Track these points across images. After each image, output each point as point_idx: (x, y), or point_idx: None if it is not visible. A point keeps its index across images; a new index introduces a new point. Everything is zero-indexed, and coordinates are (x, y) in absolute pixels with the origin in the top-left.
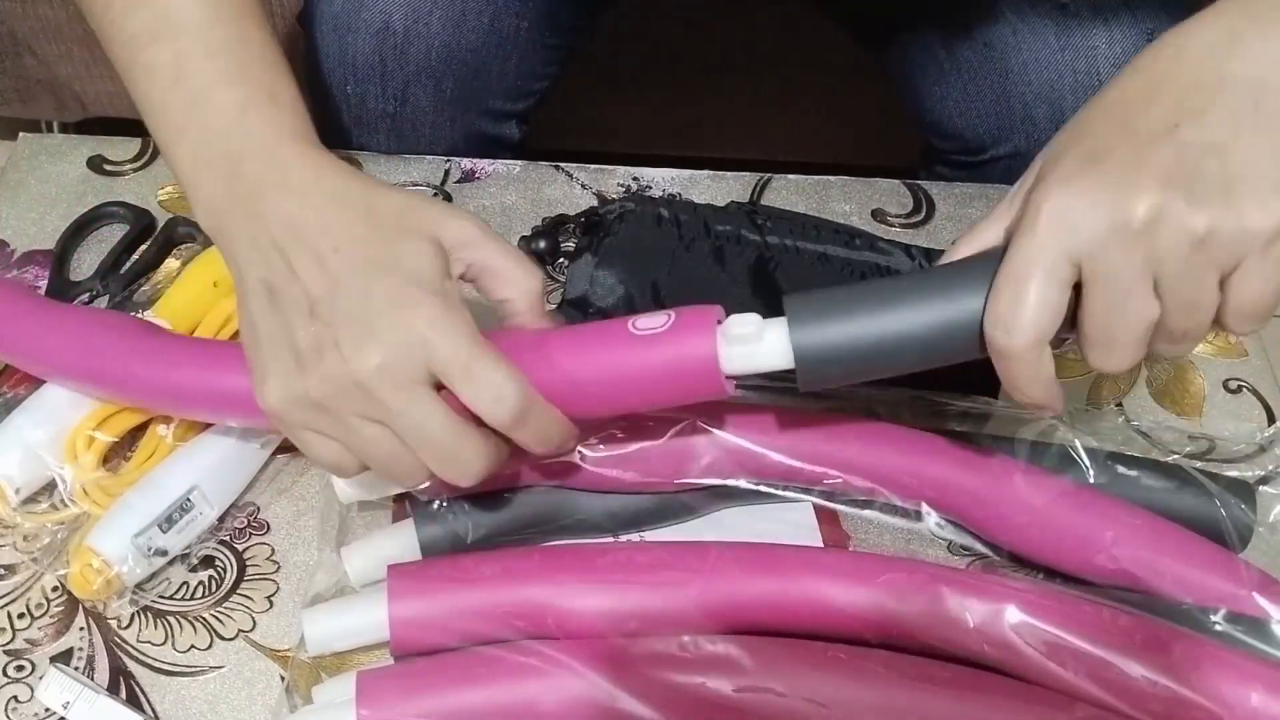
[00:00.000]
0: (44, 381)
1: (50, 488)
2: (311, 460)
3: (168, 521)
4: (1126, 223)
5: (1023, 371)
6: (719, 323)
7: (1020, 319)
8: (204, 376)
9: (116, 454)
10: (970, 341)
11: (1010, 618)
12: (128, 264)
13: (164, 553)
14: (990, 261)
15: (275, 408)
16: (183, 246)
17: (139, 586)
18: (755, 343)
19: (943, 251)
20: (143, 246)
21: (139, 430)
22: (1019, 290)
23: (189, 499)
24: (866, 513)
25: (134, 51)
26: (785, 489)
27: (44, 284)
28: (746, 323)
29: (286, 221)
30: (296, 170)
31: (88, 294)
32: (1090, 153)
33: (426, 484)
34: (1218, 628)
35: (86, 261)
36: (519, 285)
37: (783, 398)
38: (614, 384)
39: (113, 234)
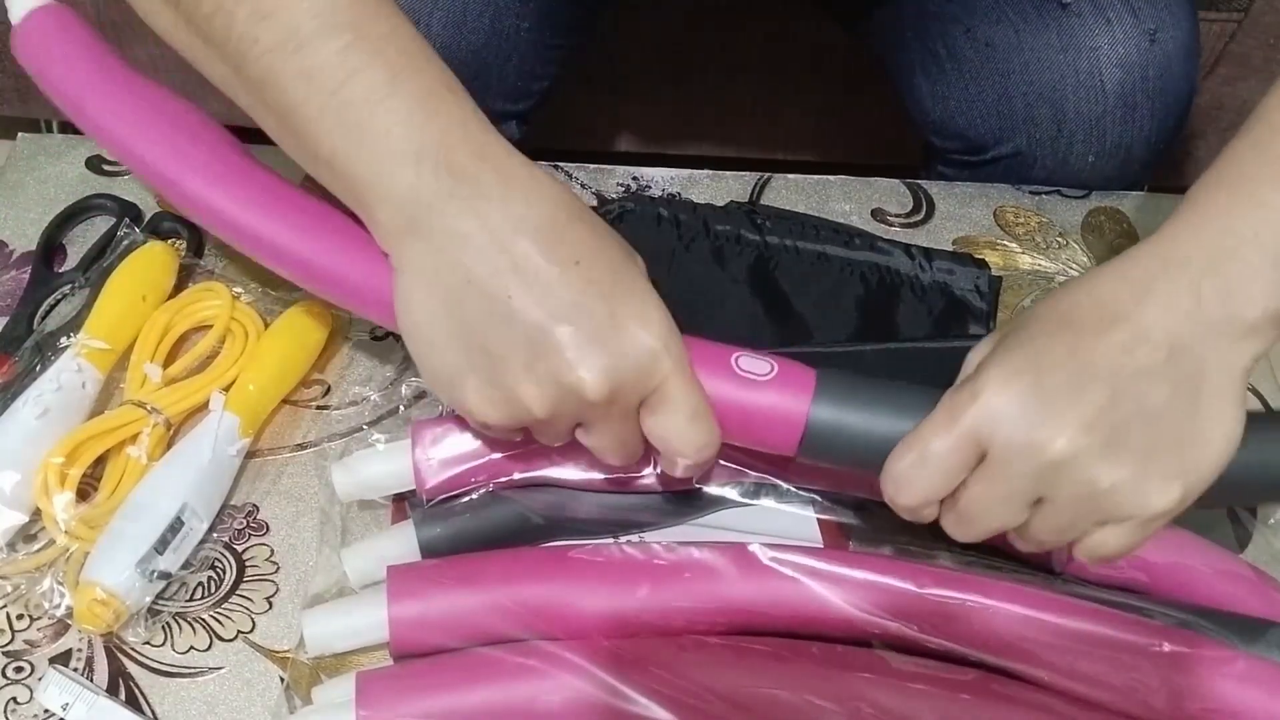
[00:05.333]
0: None
1: (23, 530)
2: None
3: (162, 543)
4: (1041, 449)
5: (905, 514)
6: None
7: (912, 484)
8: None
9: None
10: None
11: (1010, 618)
12: (112, 256)
13: (166, 575)
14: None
15: (480, 416)
16: (170, 241)
17: None
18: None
19: (942, 251)
20: (126, 241)
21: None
22: (922, 460)
23: (180, 518)
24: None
25: (279, 60)
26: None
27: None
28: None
29: (519, 223)
30: (509, 167)
31: (69, 285)
32: (1036, 362)
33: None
34: (1218, 628)
35: (72, 253)
36: None
37: None
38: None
39: (101, 226)
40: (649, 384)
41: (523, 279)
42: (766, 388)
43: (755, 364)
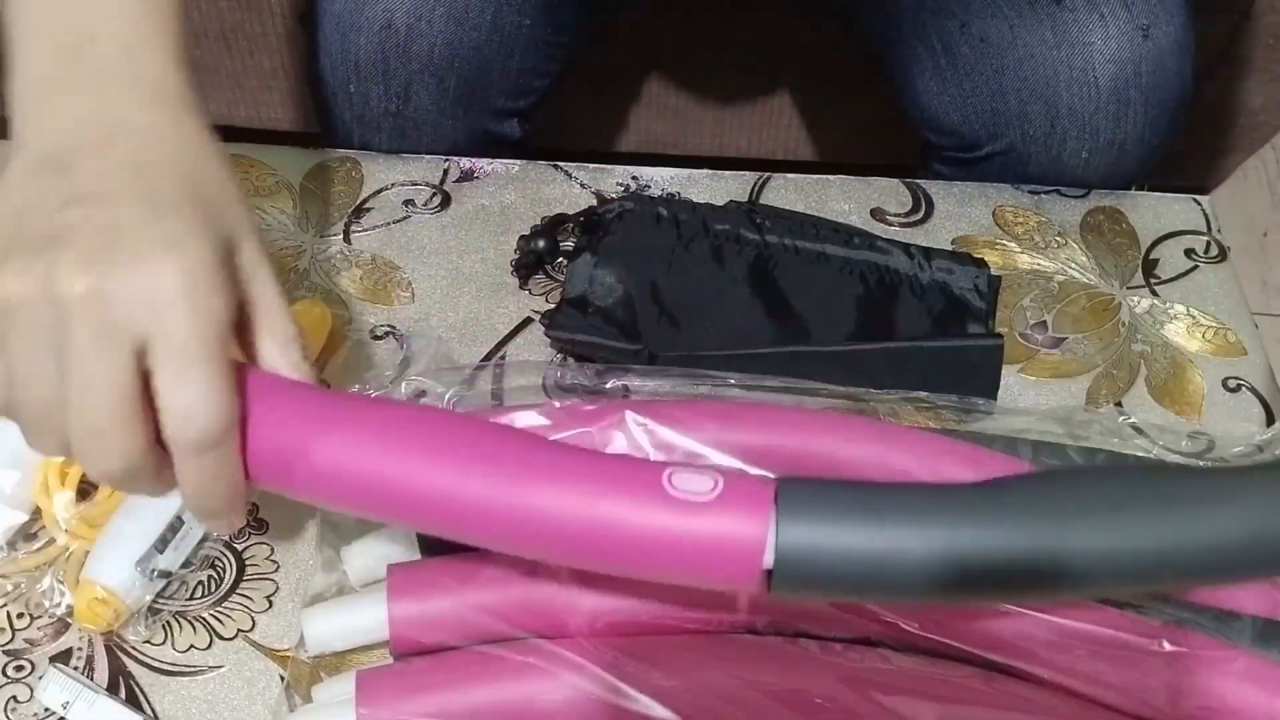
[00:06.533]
0: None
1: (23, 529)
2: None
3: (162, 542)
4: None
5: None
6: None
7: None
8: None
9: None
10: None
11: (1010, 617)
12: None
13: (167, 574)
14: None
15: None
16: None
17: None
18: None
19: (941, 250)
20: None
21: None
22: None
23: (179, 516)
24: None
25: None
26: None
27: None
28: None
29: (115, 120)
30: (150, 78)
31: None
32: None
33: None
34: (1218, 628)
35: None
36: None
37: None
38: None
39: None
40: (151, 311)
41: (90, 153)
42: (709, 509)
43: (694, 481)
